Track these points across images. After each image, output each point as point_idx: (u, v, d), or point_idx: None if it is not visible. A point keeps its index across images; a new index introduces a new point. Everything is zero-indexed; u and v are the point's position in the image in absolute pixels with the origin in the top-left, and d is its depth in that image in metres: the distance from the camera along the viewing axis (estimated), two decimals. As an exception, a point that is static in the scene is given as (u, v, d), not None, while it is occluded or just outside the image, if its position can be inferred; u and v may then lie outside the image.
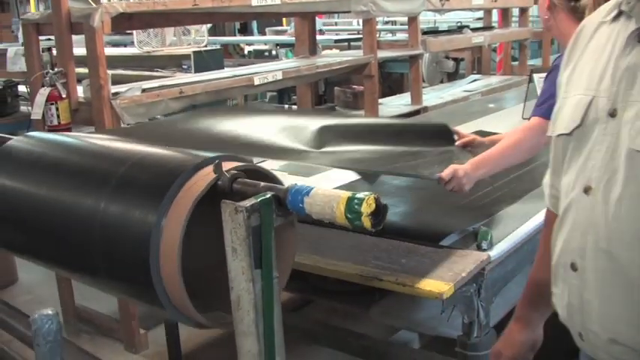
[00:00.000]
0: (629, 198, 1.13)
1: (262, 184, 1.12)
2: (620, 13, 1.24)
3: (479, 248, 2.02)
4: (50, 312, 1.12)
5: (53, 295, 3.61)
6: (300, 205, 1.05)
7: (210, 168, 1.19)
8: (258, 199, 1.06)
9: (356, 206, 0.98)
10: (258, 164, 1.55)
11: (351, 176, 2.71)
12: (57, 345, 1.13)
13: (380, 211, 0.99)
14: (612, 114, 1.17)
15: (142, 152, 1.38)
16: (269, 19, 9.34)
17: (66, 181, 1.34)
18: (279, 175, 2.74)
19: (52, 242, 1.33)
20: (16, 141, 1.51)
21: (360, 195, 0.99)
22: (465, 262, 1.92)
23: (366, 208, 0.98)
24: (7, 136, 1.53)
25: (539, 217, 2.28)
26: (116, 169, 1.32)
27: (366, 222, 0.98)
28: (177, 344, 2.73)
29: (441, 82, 7.29)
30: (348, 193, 1.01)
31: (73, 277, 1.50)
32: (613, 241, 1.16)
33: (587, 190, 1.20)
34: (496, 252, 2.03)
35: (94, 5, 3.13)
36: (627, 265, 1.15)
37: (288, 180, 2.74)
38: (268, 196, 1.07)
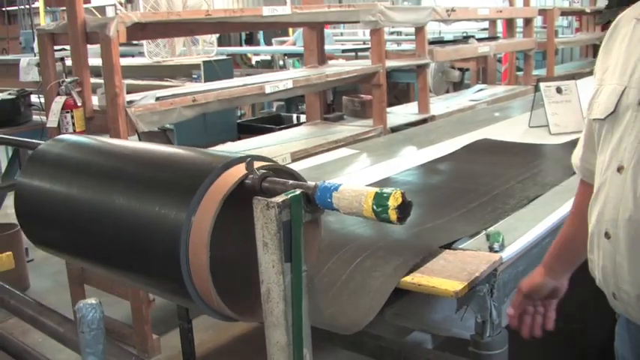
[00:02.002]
0: None
1: (291, 182, 1.18)
2: None
3: (491, 250, 2.07)
4: (94, 301, 1.17)
5: (65, 302, 3.66)
6: (329, 200, 1.10)
7: (236, 168, 1.24)
8: (289, 196, 1.11)
9: (384, 200, 1.04)
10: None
11: (362, 183, 2.77)
12: (100, 332, 1.18)
13: (406, 205, 1.05)
14: None
15: (170, 153, 1.43)
16: (279, 29, 9.41)
17: (98, 181, 1.39)
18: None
19: (86, 240, 1.38)
20: (47, 145, 1.56)
21: (387, 190, 1.05)
22: (478, 263, 1.96)
23: (394, 202, 1.04)
24: (37, 141, 1.59)
25: (548, 221, 2.34)
26: (146, 169, 1.37)
27: (393, 215, 1.03)
28: (191, 349, 2.76)
29: (447, 91, 7.35)
30: (376, 189, 1.06)
31: (109, 274, 1.55)
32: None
33: (619, 169, 1.35)
34: (508, 253, 2.07)
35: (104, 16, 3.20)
36: None
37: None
38: (298, 192, 1.13)
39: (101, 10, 10.68)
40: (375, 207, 1.04)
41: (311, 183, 1.15)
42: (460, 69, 7.51)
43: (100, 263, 1.44)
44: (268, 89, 3.66)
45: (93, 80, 3.57)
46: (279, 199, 1.10)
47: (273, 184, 1.18)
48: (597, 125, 1.45)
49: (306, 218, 1.14)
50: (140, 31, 3.42)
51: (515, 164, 3.13)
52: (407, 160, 3.37)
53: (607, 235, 1.41)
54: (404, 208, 1.04)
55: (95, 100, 3.50)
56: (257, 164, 1.25)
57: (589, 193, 1.53)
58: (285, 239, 1.11)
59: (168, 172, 1.31)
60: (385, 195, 1.04)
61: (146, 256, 1.27)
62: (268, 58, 9.58)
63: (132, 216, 1.28)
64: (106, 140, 1.64)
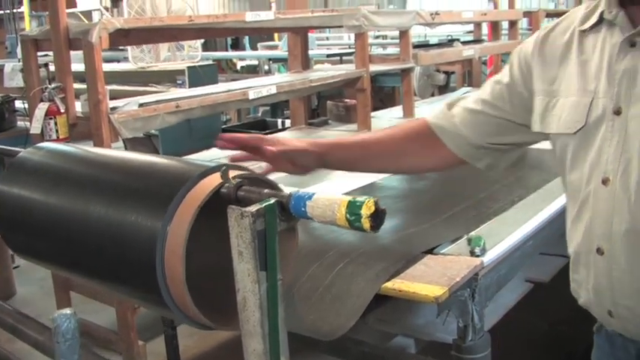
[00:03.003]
0: None
1: (266, 190, 1.18)
2: (599, 22, 1.39)
3: (472, 254, 2.08)
4: (68, 311, 1.17)
5: (51, 308, 3.66)
6: (303, 209, 1.11)
7: (213, 177, 1.24)
8: (263, 205, 1.11)
9: (356, 209, 1.04)
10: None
11: (345, 188, 2.78)
12: (75, 342, 1.19)
13: (379, 214, 1.05)
14: (617, 112, 1.31)
15: (148, 162, 1.43)
16: (262, 34, 9.42)
17: (76, 190, 1.39)
18: (275, 186, 2.82)
19: (64, 249, 1.38)
20: (27, 152, 1.56)
21: (360, 199, 1.06)
22: (459, 268, 1.97)
23: (366, 211, 1.04)
24: (17, 149, 1.59)
25: (530, 224, 2.35)
26: (124, 178, 1.37)
27: (366, 223, 1.04)
28: (176, 355, 2.77)
29: (432, 95, 7.37)
30: (349, 197, 1.07)
31: (88, 283, 1.55)
32: (638, 222, 1.30)
33: (605, 182, 1.33)
34: (489, 258, 2.08)
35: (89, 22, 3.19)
36: None
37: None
38: (272, 201, 1.13)
39: (87, 14, 10.63)
40: (348, 215, 1.05)
41: (286, 192, 1.16)
42: (445, 72, 7.54)
43: (78, 272, 1.44)
44: (252, 95, 3.66)
45: (77, 86, 3.56)
46: (254, 208, 1.10)
47: (248, 192, 1.18)
48: (562, 140, 1.45)
49: (280, 227, 1.14)
50: (123, 37, 3.41)
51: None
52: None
53: (599, 251, 1.38)
54: (377, 217, 1.05)
55: (79, 107, 3.49)
56: (233, 173, 1.26)
57: (422, 132, 1.67)
58: (260, 248, 1.11)
59: (144, 181, 1.31)
60: (358, 204, 1.04)
61: (123, 265, 1.27)
62: (254, 62, 9.59)
63: (109, 225, 1.28)
64: (86, 148, 1.63)
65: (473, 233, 2.23)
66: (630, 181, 1.29)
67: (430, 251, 2.12)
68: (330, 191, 2.76)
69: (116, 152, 1.59)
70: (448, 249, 2.15)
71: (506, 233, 2.28)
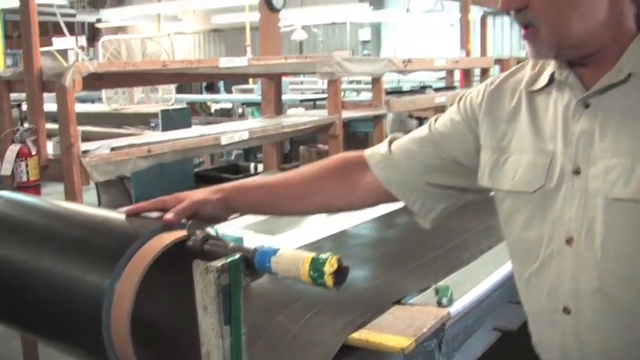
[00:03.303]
0: (613, 241, 1.28)
1: (232, 244, 1.19)
2: (550, 82, 1.42)
3: (439, 305, 2.09)
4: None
5: (17, 352, 3.59)
6: (267, 264, 1.12)
7: (167, 235, 1.24)
8: (228, 260, 1.12)
9: (320, 266, 1.06)
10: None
11: (316, 236, 2.79)
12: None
13: (342, 271, 1.07)
14: (576, 172, 1.33)
15: (103, 216, 1.43)
16: (237, 79, 9.47)
17: (29, 241, 1.37)
18: (245, 233, 2.83)
19: (11, 302, 1.37)
20: None
21: (323, 255, 1.07)
22: (426, 319, 1.98)
23: (329, 268, 1.05)
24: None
25: (498, 274, 2.37)
26: (77, 232, 1.36)
27: (329, 280, 1.05)
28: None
29: (405, 139, 7.42)
30: (313, 254, 1.08)
31: (34, 338, 1.53)
32: (606, 281, 1.30)
33: (569, 241, 1.34)
34: (456, 308, 2.09)
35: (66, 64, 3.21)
36: (622, 299, 1.30)
37: (253, 238, 2.82)
38: (237, 256, 1.14)
39: (63, 53, 10.67)
40: (311, 272, 1.06)
41: (251, 247, 1.17)
42: (418, 118, 7.61)
43: (24, 328, 1.43)
44: (224, 140, 3.68)
45: (50, 125, 3.56)
46: (219, 263, 1.11)
47: (214, 246, 1.19)
48: (516, 198, 1.45)
49: (245, 282, 1.15)
50: (97, 80, 3.43)
51: (471, 215, 3.17)
52: (363, 212, 3.40)
53: (566, 311, 1.38)
54: (340, 274, 1.06)
55: (50, 148, 3.48)
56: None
57: (350, 166, 1.63)
58: (224, 302, 1.12)
59: (97, 236, 1.30)
60: (321, 261, 1.06)
61: (69, 323, 1.25)
62: (228, 106, 9.62)
63: (57, 280, 1.26)
64: (44, 199, 1.62)
65: (441, 283, 2.25)
66: (595, 240, 1.30)
67: (398, 301, 2.13)
68: (301, 238, 2.79)
69: (74, 205, 1.59)
70: (416, 299, 2.17)
71: (474, 283, 2.30)
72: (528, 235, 1.43)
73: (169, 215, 1.34)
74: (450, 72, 7.75)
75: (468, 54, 8.82)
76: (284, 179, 1.68)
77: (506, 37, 14.58)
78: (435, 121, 1.65)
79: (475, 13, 10.79)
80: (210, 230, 1.30)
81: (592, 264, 1.31)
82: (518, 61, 8.90)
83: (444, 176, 1.62)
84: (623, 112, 1.30)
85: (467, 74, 7.58)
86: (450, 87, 7.38)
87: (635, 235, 1.26)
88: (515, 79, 1.52)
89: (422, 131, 1.65)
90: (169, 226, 1.28)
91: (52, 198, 4.08)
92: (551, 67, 1.44)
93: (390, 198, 1.67)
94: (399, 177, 1.64)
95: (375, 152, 1.68)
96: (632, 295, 1.29)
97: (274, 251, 1.12)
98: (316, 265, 1.06)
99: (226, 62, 3.68)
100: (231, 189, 1.60)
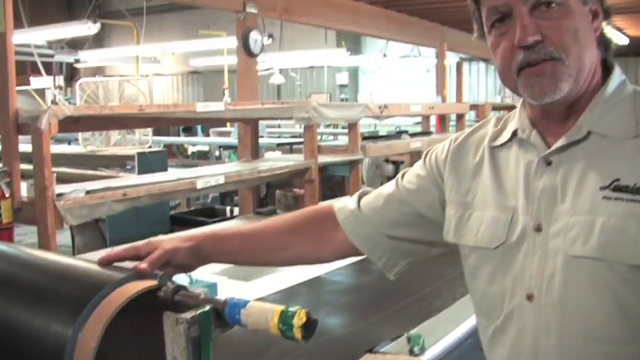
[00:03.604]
0: (573, 298, 1.28)
1: (202, 296, 1.19)
2: (512, 137, 1.43)
3: (411, 353, 2.10)
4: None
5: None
6: (237, 316, 1.13)
7: (133, 284, 1.24)
8: (198, 312, 1.13)
9: (288, 319, 1.06)
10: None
11: (290, 282, 2.80)
12: None
13: (310, 324, 1.07)
14: (538, 229, 1.33)
15: (69, 264, 1.42)
16: (214, 124, 9.51)
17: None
18: (219, 278, 2.83)
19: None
20: None
21: (292, 309, 1.08)
22: (398, 367, 1.99)
23: (298, 321, 1.06)
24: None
25: (470, 322, 2.38)
26: (41, 280, 1.35)
27: (297, 333, 1.06)
28: None
29: (381, 184, 7.45)
30: (282, 307, 1.09)
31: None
32: (565, 337, 1.30)
33: (530, 298, 1.34)
34: (428, 357, 2.10)
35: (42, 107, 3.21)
36: (582, 356, 1.30)
37: (228, 284, 2.82)
38: (207, 308, 1.14)
39: (40, 92, 10.65)
40: (280, 325, 1.07)
41: (221, 298, 1.17)
42: (394, 162, 7.65)
43: None
44: (200, 184, 3.68)
45: (24, 166, 3.54)
46: (189, 314, 1.12)
47: (185, 297, 1.20)
48: (479, 253, 1.45)
49: (215, 333, 1.15)
50: (73, 123, 3.43)
51: (445, 262, 3.18)
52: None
53: None
54: (309, 327, 1.07)
55: (24, 191, 3.46)
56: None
57: (320, 219, 1.64)
58: (194, 354, 1.12)
59: (62, 285, 1.29)
60: (290, 314, 1.07)
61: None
62: (205, 148, 9.65)
63: (20, 328, 1.24)
64: (11, 245, 1.61)
65: (413, 331, 2.26)
66: (555, 297, 1.31)
67: (370, 349, 2.13)
68: (276, 284, 2.79)
69: (41, 252, 1.58)
70: (388, 347, 2.17)
71: (446, 331, 2.31)
72: (492, 290, 1.43)
73: (143, 265, 1.34)
74: (427, 117, 7.82)
75: (443, 100, 8.94)
76: (257, 230, 1.68)
77: (481, 82, 14.77)
78: (402, 176, 1.66)
79: (451, 58, 10.95)
80: (184, 276, 1.31)
81: (552, 320, 1.32)
82: (494, 107, 9.06)
83: (410, 231, 1.63)
84: (583, 170, 1.31)
85: (442, 120, 7.66)
86: (426, 132, 7.44)
87: (595, 292, 1.27)
88: (478, 135, 1.54)
89: (389, 187, 1.67)
90: (139, 275, 1.28)
91: (26, 239, 4.07)
92: (513, 123, 1.46)
93: (359, 252, 1.69)
94: (366, 233, 1.65)
95: (343, 207, 1.69)
96: (592, 351, 1.30)
97: (244, 303, 1.13)
98: (285, 319, 1.07)
99: (203, 107, 3.70)
100: (204, 237, 1.60)
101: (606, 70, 1.40)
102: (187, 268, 1.56)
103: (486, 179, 1.46)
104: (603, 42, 1.39)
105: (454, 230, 1.51)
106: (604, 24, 1.39)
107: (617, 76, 1.38)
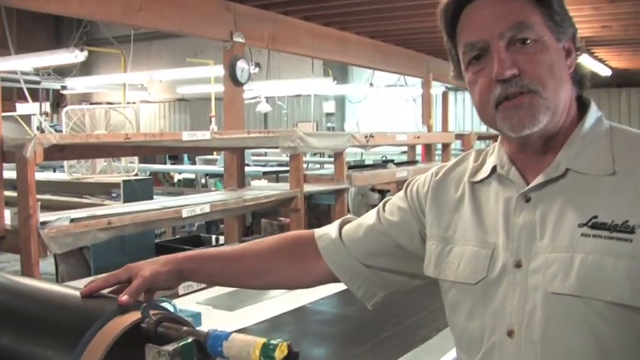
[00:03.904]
0: (553, 335, 1.28)
1: (185, 328, 1.19)
2: (492, 173, 1.44)
3: (394, 385, 2.10)
4: None
5: None
6: (219, 348, 1.13)
7: (129, 315, 1.25)
8: (180, 344, 1.12)
9: (270, 352, 1.07)
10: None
11: (275, 312, 2.79)
12: None
13: (292, 357, 1.08)
14: (518, 265, 1.33)
15: (65, 294, 1.42)
16: (200, 153, 9.50)
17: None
18: (203, 308, 2.82)
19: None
20: None
21: (274, 341, 1.08)
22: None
23: (279, 354, 1.06)
24: None
25: (453, 353, 2.38)
26: (38, 310, 1.35)
27: (280, 366, 1.06)
28: None
29: (366, 212, 7.46)
30: (263, 340, 1.09)
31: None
32: None
33: (510, 334, 1.33)
34: (411, 388, 2.10)
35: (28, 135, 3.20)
36: None
37: (212, 314, 2.82)
38: (190, 340, 1.14)
39: (26, 118, 10.63)
40: (262, 358, 1.07)
41: (203, 330, 1.17)
42: (380, 191, 7.68)
43: None
44: (185, 213, 3.68)
45: (8, 193, 3.53)
46: (171, 347, 1.11)
47: (167, 329, 1.20)
48: (460, 289, 1.45)
49: (197, 365, 1.15)
50: (59, 151, 3.43)
51: (428, 293, 3.18)
52: (322, 288, 3.40)
53: None
54: (290, 359, 1.07)
55: (8, 218, 3.45)
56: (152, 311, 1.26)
57: (300, 245, 1.65)
58: (176, 386, 1.12)
59: (59, 314, 1.30)
60: (272, 346, 1.07)
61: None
62: (191, 176, 9.63)
63: (17, 358, 1.25)
64: (4, 275, 1.62)
65: (395, 362, 2.26)
66: (535, 333, 1.31)
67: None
68: (260, 314, 2.79)
69: (35, 282, 1.58)
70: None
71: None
72: (472, 325, 1.42)
73: (124, 298, 1.34)
74: (413, 146, 7.87)
75: (429, 129, 9.00)
76: (238, 254, 1.68)
77: (467, 112, 14.86)
78: (384, 206, 1.66)
79: (437, 88, 11.04)
80: (168, 305, 1.31)
81: (532, 356, 1.32)
82: (479, 136, 9.11)
83: (390, 262, 1.62)
84: (561, 207, 1.32)
85: (428, 148, 7.72)
86: (411, 161, 7.48)
87: (575, 329, 1.27)
88: (459, 170, 1.55)
89: (370, 217, 1.66)
90: (125, 308, 1.28)
91: (9, 266, 4.06)
92: (492, 159, 1.47)
93: (333, 280, 1.69)
94: (346, 263, 1.64)
95: (324, 235, 1.69)
96: None
97: (226, 335, 1.13)
98: (267, 351, 1.07)
99: (189, 136, 3.72)
100: (184, 259, 1.58)
101: (582, 107, 1.42)
102: (168, 289, 1.57)
103: (467, 214, 1.47)
104: (578, 78, 1.41)
105: (434, 265, 1.51)
106: (579, 60, 1.41)
107: (594, 112, 1.40)
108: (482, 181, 1.47)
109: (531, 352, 1.31)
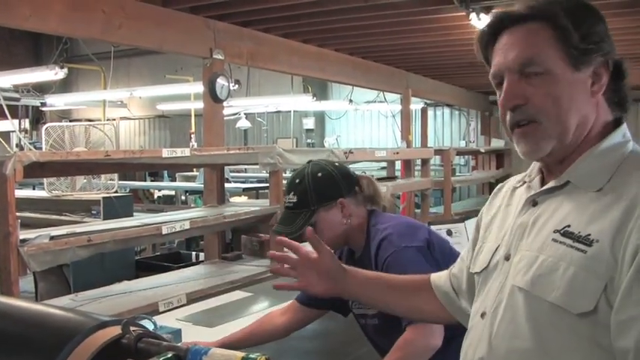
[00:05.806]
0: (505, 322, 1.44)
1: (165, 343, 1.20)
2: (524, 182, 1.61)
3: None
4: None
5: None
6: (199, 363, 1.15)
7: (105, 331, 1.26)
8: (160, 358, 1.14)
9: (249, 366, 1.09)
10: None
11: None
12: None
13: (271, 370, 1.10)
14: (507, 258, 1.51)
15: (40, 311, 1.43)
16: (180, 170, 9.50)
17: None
18: (183, 325, 2.83)
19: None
20: None
21: (252, 355, 1.10)
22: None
23: (259, 368, 1.08)
24: None
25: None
26: (16, 327, 1.36)
27: (258, 381, 1.08)
28: None
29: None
30: (243, 353, 1.11)
31: None
32: (492, 355, 1.45)
33: (482, 316, 1.51)
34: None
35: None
36: None
37: (192, 330, 2.82)
38: (169, 355, 1.16)
39: (5, 135, 10.58)
40: (241, 372, 1.09)
41: (184, 345, 1.19)
42: (360, 207, 7.68)
43: None
44: (165, 230, 3.69)
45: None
46: (151, 362, 1.13)
47: (148, 344, 1.21)
48: (474, 278, 1.64)
49: (177, 380, 1.17)
50: (39, 169, 3.44)
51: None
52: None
53: None
54: (269, 373, 1.09)
55: (-13, 236, 3.45)
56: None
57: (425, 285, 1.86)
58: (156, 402, 1.13)
59: (33, 332, 1.30)
60: (251, 361, 1.09)
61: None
62: (171, 193, 9.62)
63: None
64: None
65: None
66: (495, 317, 1.46)
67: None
68: (240, 329, 2.79)
69: (14, 300, 1.59)
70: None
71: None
72: (472, 309, 1.61)
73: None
74: (392, 162, 7.91)
75: (409, 145, 9.04)
76: (401, 280, 1.93)
77: (446, 127, 14.93)
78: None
79: (416, 103, 11.10)
80: (148, 322, 1.33)
81: (486, 337, 1.47)
82: (459, 152, 9.13)
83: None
84: (551, 213, 1.45)
85: (408, 164, 7.76)
86: (391, 177, 7.52)
87: (525, 321, 1.40)
88: (514, 181, 1.70)
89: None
90: (105, 323, 1.29)
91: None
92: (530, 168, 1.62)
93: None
94: (453, 302, 1.84)
95: (436, 279, 1.90)
96: None
97: (206, 350, 1.15)
98: (246, 365, 1.09)
99: (169, 153, 3.73)
100: (354, 269, 1.89)
101: (617, 127, 1.50)
102: (325, 288, 1.85)
103: (500, 216, 1.64)
104: (616, 100, 1.50)
105: (473, 261, 1.68)
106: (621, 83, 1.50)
107: (618, 135, 1.48)
108: (517, 187, 1.64)
109: (487, 333, 1.47)
